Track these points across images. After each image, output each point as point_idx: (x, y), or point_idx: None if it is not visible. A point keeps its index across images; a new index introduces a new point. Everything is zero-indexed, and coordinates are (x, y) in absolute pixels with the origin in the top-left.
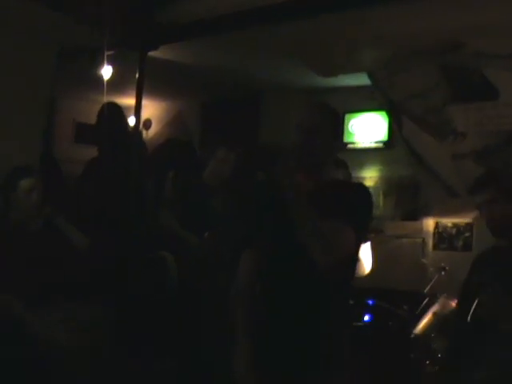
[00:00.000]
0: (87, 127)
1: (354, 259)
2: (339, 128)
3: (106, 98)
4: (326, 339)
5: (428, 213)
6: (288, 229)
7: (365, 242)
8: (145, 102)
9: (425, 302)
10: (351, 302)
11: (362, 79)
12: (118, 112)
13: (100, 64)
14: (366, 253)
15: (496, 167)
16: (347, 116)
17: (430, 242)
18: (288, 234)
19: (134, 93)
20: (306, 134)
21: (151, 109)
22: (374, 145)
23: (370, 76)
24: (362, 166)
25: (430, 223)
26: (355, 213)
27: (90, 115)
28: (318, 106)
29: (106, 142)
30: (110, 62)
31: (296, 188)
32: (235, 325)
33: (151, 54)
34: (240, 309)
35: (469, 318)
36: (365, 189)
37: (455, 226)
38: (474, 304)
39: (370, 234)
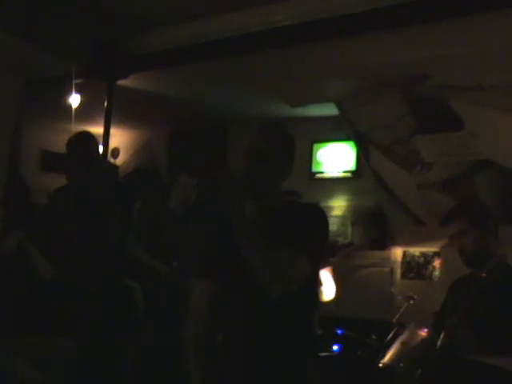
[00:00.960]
0: (54, 156)
1: (312, 287)
2: (290, 151)
3: (74, 127)
4: (290, 372)
5: (396, 242)
6: (238, 260)
7: (324, 266)
8: (113, 131)
9: (393, 331)
10: (319, 331)
11: (329, 109)
12: (92, 140)
13: (68, 93)
14: (326, 278)
15: (467, 198)
16: (315, 145)
17: (398, 271)
18: (238, 264)
19: (102, 121)
20: (255, 158)
21: (119, 137)
22: (342, 174)
23: (338, 106)
24: (330, 195)
25: (397, 252)
26: (308, 238)
27: (57, 144)
28: (267, 129)
29: (78, 170)
30: (78, 91)
31: (241, 216)
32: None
33: (120, 82)
34: (192, 346)
35: (437, 344)
36: (318, 210)
37: (423, 254)
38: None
39: (330, 258)
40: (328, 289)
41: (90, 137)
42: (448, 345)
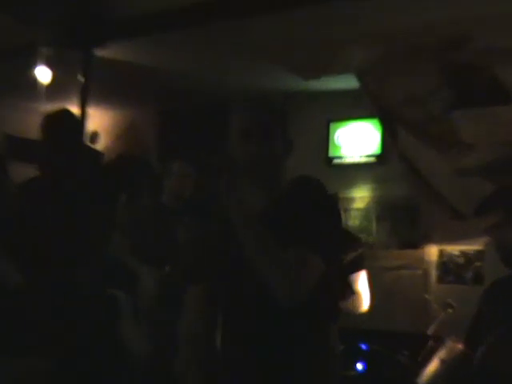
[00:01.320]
0: (21, 141)
1: (327, 292)
2: (287, 128)
3: (44, 106)
4: None
5: (430, 239)
6: (241, 263)
7: (358, 270)
8: (91, 111)
9: (429, 345)
10: (340, 347)
11: (349, 82)
12: (72, 120)
13: (36, 66)
14: (362, 284)
15: (509, 184)
16: (332, 125)
17: (434, 274)
18: (242, 269)
19: (77, 100)
20: (256, 138)
21: (99, 119)
22: (364, 159)
23: (359, 78)
24: (350, 184)
25: (432, 251)
26: (320, 232)
27: (24, 126)
28: (259, 104)
29: (54, 159)
30: (47, 63)
31: (244, 210)
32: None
33: (98, 53)
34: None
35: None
36: (327, 196)
37: (463, 254)
38: (484, 347)
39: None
40: (363, 298)
41: (69, 116)
42: (492, 363)
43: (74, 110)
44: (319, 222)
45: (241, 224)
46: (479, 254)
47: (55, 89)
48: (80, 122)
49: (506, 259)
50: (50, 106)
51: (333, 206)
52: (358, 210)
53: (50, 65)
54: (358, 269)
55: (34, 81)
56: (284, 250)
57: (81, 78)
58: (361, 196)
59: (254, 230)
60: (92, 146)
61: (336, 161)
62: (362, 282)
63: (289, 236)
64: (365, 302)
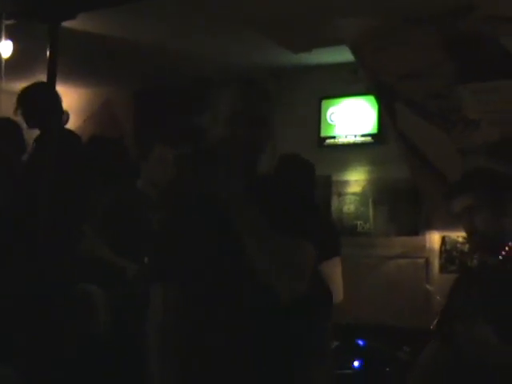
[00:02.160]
0: None
1: (319, 283)
2: (270, 108)
3: (5, 84)
4: None
5: (432, 225)
6: (232, 252)
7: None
8: (60, 89)
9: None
10: (335, 343)
11: (342, 55)
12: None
13: None
14: (333, 273)
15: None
16: (325, 103)
17: (436, 263)
18: (232, 258)
19: (44, 77)
20: (247, 122)
21: (69, 98)
22: (360, 139)
23: (354, 50)
24: (345, 166)
25: (434, 238)
26: (306, 215)
27: None
28: (252, 86)
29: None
30: (9, 36)
31: (242, 197)
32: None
33: (66, 24)
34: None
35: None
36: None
37: (467, 240)
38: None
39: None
40: (336, 288)
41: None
42: (462, 352)
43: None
44: (302, 201)
45: (240, 211)
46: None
47: (19, 64)
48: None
49: (476, 245)
50: (13, 83)
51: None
52: (353, 194)
53: (12, 37)
54: (332, 255)
55: None
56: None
57: (48, 53)
58: (356, 179)
59: (254, 218)
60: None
61: (329, 141)
62: (334, 269)
63: (274, 221)
64: (336, 293)
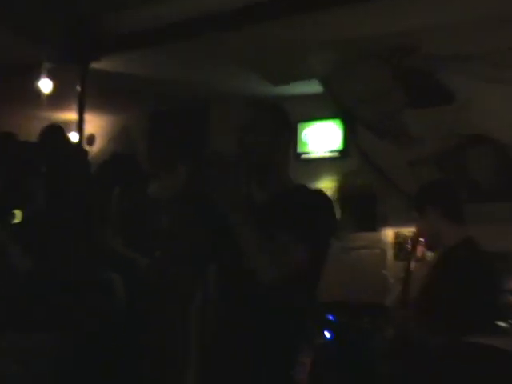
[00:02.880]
0: (26, 144)
1: (312, 277)
2: (284, 124)
3: (46, 114)
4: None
5: (386, 222)
6: (233, 248)
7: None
8: (88, 117)
9: (386, 314)
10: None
11: (314, 86)
12: (60, 133)
13: (39, 78)
14: None
15: (449, 175)
16: (300, 125)
17: (390, 253)
18: (233, 254)
19: (75, 107)
20: (243, 138)
21: (95, 123)
22: (328, 154)
23: (322, 82)
24: (316, 176)
25: (389, 233)
26: (311, 226)
27: (29, 131)
28: (255, 102)
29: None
30: (49, 76)
31: (236, 201)
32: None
33: (93, 66)
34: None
35: None
36: (323, 197)
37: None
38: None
39: None
40: None
41: (59, 130)
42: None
43: (73, 116)
44: (309, 214)
45: (234, 212)
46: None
47: (56, 98)
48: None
49: (426, 245)
50: (52, 113)
51: (325, 203)
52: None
53: (51, 77)
54: None
55: (38, 91)
56: (271, 238)
57: (78, 88)
58: (325, 187)
59: (246, 219)
60: (87, 147)
61: (303, 156)
62: None
63: (279, 226)
64: None
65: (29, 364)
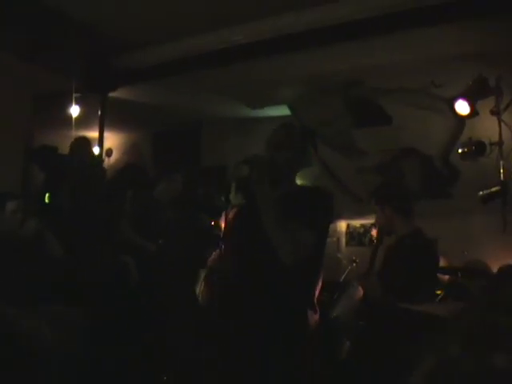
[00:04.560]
0: (60, 156)
1: (318, 260)
2: (306, 143)
3: (74, 133)
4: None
5: (340, 216)
6: (259, 229)
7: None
8: (107, 135)
9: (340, 288)
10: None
11: (283, 110)
12: (87, 144)
13: (70, 105)
14: None
15: (388, 180)
16: None
17: (343, 240)
18: (258, 234)
19: (97, 127)
20: (273, 149)
21: (112, 140)
22: None
23: (290, 107)
24: None
25: (342, 225)
26: (315, 217)
27: (62, 146)
28: (284, 125)
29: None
30: (77, 103)
31: (265, 195)
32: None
33: (111, 94)
34: None
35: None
36: (324, 194)
37: (363, 226)
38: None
39: None
40: None
41: (85, 141)
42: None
43: (95, 134)
44: (313, 207)
45: (264, 204)
46: (373, 226)
47: (83, 120)
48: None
49: (382, 230)
50: (80, 132)
51: (326, 198)
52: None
53: (78, 104)
54: None
55: (69, 115)
56: (287, 224)
57: (99, 112)
58: None
59: (269, 209)
60: (106, 158)
61: None
62: None
63: (292, 216)
64: None
65: (62, 331)
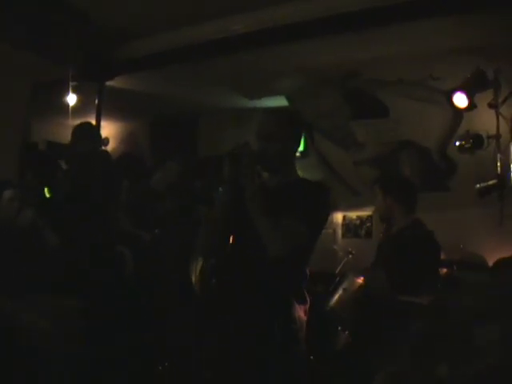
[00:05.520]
0: (56, 145)
1: (307, 253)
2: (298, 130)
3: (71, 121)
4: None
5: (337, 208)
6: (247, 220)
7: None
8: (103, 123)
9: (336, 280)
10: None
11: (281, 101)
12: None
13: (66, 93)
14: None
15: (386, 170)
16: None
17: (340, 232)
18: (246, 224)
19: (94, 116)
20: (263, 138)
21: (108, 129)
22: None
23: (288, 99)
24: None
25: (339, 217)
26: (309, 210)
27: (59, 135)
28: (273, 113)
29: (78, 157)
30: (74, 92)
31: (254, 184)
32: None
33: (108, 83)
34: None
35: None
36: (321, 188)
37: (359, 218)
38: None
39: None
40: None
41: (91, 126)
42: (367, 287)
43: (92, 122)
44: (308, 201)
45: (250, 196)
46: (369, 218)
47: (79, 109)
48: (97, 130)
49: (380, 218)
50: (76, 121)
51: (322, 192)
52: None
53: (75, 92)
54: None
55: (65, 103)
56: (278, 219)
57: (96, 101)
58: None
59: (258, 201)
60: (102, 147)
61: None
62: None
63: (286, 208)
64: None
65: (58, 323)
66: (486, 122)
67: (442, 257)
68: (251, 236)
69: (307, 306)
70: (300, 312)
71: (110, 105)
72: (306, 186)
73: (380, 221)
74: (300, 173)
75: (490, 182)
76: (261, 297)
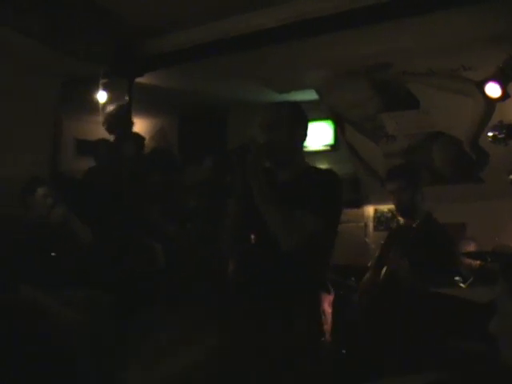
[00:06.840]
0: (86, 142)
1: (325, 245)
2: (298, 121)
3: (101, 118)
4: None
5: (368, 201)
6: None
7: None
8: (135, 119)
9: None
10: None
11: (310, 95)
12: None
13: (96, 90)
14: None
15: (411, 161)
16: None
17: (371, 225)
18: (257, 221)
19: (124, 113)
20: (267, 131)
21: (139, 124)
22: (322, 148)
23: (317, 92)
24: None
25: (370, 210)
26: (323, 202)
27: (89, 132)
28: (274, 105)
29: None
30: (104, 89)
31: (260, 180)
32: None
33: (138, 80)
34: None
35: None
36: (333, 176)
37: (390, 211)
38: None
39: None
40: None
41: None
42: (390, 276)
43: None
44: (322, 191)
45: (257, 189)
46: None
47: (110, 105)
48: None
49: (401, 212)
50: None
51: (335, 181)
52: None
53: (106, 89)
54: None
55: (97, 101)
56: (290, 212)
57: (127, 98)
58: None
59: (267, 194)
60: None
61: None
62: None
63: (299, 200)
64: None
65: (86, 313)
66: None
67: (475, 249)
68: (269, 230)
69: (332, 298)
70: (325, 304)
71: (140, 101)
72: (317, 177)
73: (401, 215)
74: (329, 167)
75: None
76: (284, 289)
